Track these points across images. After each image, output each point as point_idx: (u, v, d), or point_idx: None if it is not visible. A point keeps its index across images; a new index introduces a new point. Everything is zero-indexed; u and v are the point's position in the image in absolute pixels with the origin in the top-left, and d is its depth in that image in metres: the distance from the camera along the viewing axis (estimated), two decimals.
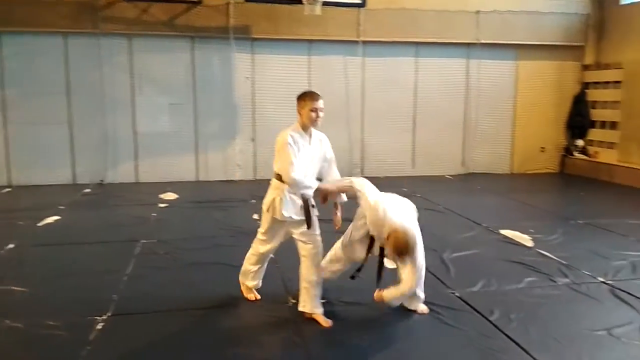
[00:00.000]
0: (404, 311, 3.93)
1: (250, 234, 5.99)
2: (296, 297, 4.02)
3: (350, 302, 4.08)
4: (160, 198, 8.06)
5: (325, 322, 3.70)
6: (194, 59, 9.50)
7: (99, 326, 3.65)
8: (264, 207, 3.86)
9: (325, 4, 8.45)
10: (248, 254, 4.15)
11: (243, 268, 4.18)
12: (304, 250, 3.79)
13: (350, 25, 9.75)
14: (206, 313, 3.90)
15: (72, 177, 9.26)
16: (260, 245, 4.06)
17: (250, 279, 4.15)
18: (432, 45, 10.14)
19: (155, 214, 7.04)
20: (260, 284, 4.19)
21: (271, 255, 4.17)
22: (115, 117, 9.30)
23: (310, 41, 9.76)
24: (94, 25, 8.92)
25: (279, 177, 3.72)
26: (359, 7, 9.29)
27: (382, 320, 3.81)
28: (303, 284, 3.79)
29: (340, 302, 4.06)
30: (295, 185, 3.63)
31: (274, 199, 3.76)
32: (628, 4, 10.00)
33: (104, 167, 9.31)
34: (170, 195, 8.26)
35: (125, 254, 5.21)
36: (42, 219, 6.60)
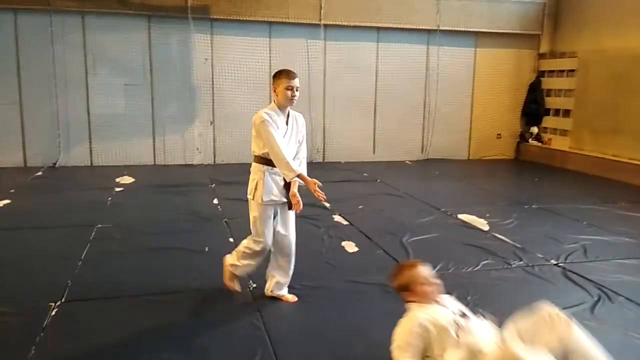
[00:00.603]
0: (363, 294, 3.96)
1: (210, 219, 5.97)
2: (256, 281, 4.01)
3: (311, 286, 4.08)
4: (117, 182, 7.86)
5: (292, 298, 3.78)
6: (150, 38, 9.24)
7: (53, 312, 3.54)
8: (248, 193, 3.71)
9: None
10: (243, 247, 3.78)
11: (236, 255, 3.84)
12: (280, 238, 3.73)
13: (312, 8, 9.66)
14: (165, 299, 3.83)
15: (23, 160, 8.92)
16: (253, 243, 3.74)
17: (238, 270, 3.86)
18: (394, 30, 10.17)
19: (111, 198, 6.86)
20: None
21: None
22: (68, 98, 8.98)
23: (271, 23, 9.63)
24: (45, 2, 8.55)
25: (259, 159, 3.63)
26: None
27: (342, 302, 3.83)
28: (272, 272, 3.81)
29: (300, 286, 4.05)
30: (283, 165, 3.44)
31: (256, 183, 3.64)
32: None
33: (57, 149, 9.00)
34: (127, 179, 8.06)
35: (80, 239, 5.06)
36: None
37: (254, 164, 3.69)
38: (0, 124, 8.72)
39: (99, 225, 5.55)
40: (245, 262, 3.79)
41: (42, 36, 8.69)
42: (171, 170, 9.07)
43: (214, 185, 7.85)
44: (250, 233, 3.76)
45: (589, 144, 9.79)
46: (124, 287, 4.00)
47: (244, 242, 3.79)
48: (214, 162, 9.72)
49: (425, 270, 2.88)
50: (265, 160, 3.60)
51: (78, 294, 3.85)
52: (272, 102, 3.68)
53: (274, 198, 3.62)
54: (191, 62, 9.40)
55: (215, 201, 6.84)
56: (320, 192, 3.42)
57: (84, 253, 4.71)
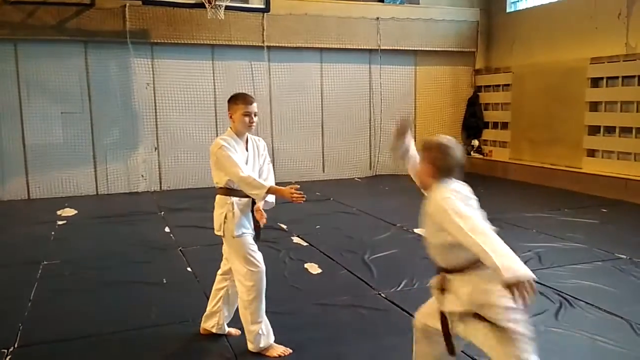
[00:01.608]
0: (332, 316, 3.91)
1: (164, 249, 5.76)
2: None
3: (278, 312, 3.99)
4: (58, 215, 7.47)
5: (285, 351, 3.36)
6: (87, 64, 8.93)
7: None
8: (216, 229, 3.39)
9: (228, 8, 8.30)
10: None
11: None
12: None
13: (255, 30, 9.65)
14: (125, 336, 3.63)
15: None
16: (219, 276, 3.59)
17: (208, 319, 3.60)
18: (336, 50, 10.31)
19: (54, 233, 6.50)
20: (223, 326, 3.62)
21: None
22: (2, 129, 8.52)
23: (214, 46, 9.54)
24: None
25: (224, 191, 3.32)
26: (263, 12, 9.22)
27: (312, 326, 3.76)
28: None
29: (267, 312, 3.94)
30: (249, 185, 3.16)
31: (225, 216, 3.30)
32: (513, 12, 10.80)
33: None
34: (69, 211, 7.68)
35: (26, 278, 4.75)
36: None
37: (218, 196, 3.37)
38: None
39: (45, 262, 5.23)
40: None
41: None
42: (116, 199, 8.73)
43: (162, 212, 7.61)
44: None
45: (527, 154, 10.22)
46: (81, 328, 3.76)
47: (242, 290, 3.32)
48: (160, 188, 9.44)
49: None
50: (231, 191, 3.31)
51: (31, 338, 3.59)
52: (229, 128, 3.43)
53: (245, 231, 3.35)
54: (132, 88, 9.14)
55: (167, 229, 6.62)
56: (298, 194, 3.17)
57: (32, 293, 4.42)
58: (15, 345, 3.47)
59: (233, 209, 3.32)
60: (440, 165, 2.45)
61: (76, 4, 8.53)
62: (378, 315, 3.93)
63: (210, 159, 3.34)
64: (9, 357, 3.32)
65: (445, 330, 2.47)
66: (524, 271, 2.06)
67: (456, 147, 2.49)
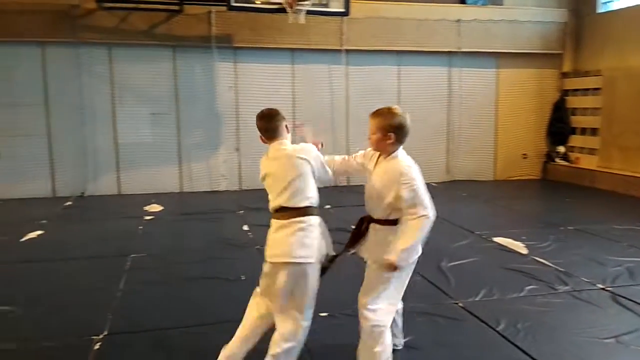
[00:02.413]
0: (406, 323, 3.85)
1: (242, 246, 5.93)
2: None
3: (352, 315, 3.99)
4: (145, 210, 7.87)
5: None
6: (175, 68, 9.35)
7: (97, 346, 3.50)
8: (310, 259, 2.87)
9: (308, 12, 8.41)
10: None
11: None
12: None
13: (334, 34, 9.73)
14: (204, 330, 3.76)
15: (52, 190, 8.99)
16: None
17: None
18: (414, 53, 10.19)
19: (142, 227, 6.86)
20: None
21: None
22: (96, 128, 9.08)
23: (293, 50, 9.70)
24: (72, 35, 8.71)
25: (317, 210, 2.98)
26: (343, 16, 9.26)
27: None
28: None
29: (341, 314, 3.96)
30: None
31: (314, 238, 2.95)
32: (604, 12, 10.23)
33: (85, 179, 9.07)
34: (155, 207, 8.08)
35: (116, 270, 5.05)
36: (24, 235, 6.36)
37: (308, 217, 2.91)
38: (30, 154, 8.82)
39: (133, 255, 5.53)
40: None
41: (69, 68, 8.83)
42: (198, 198, 9.08)
43: (242, 211, 7.83)
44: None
45: (618, 162, 9.63)
46: (165, 319, 3.95)
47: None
48: (240, 188, 9.72)
49: None
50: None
51: (119, 327, 3.80)
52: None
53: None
54: (216, 90, 9.48)
55: (245, 227, 6.81)
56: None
57: (121, 284, 4.68)
58: (105, 333, 3.69)
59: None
60: (402, 133, 2.96)
61: (166, 10, 8.96)
62: (455, 324, 3.85)
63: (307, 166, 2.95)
64: (98, 343, 3.54)
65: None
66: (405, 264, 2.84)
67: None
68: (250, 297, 4.36)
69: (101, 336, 3.64)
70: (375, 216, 3.01)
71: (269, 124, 3.02)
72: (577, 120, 10.63)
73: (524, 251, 5.65)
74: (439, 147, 10.63)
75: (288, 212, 2.88)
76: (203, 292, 4.52)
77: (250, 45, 9.46)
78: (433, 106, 10.45)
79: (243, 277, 4.87)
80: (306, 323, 2.94)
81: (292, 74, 9.81)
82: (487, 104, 10.76)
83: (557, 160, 10.80)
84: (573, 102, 10.71)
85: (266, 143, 3.05)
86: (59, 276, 4.98)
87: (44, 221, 7.10)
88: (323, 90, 9.92)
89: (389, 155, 3.00)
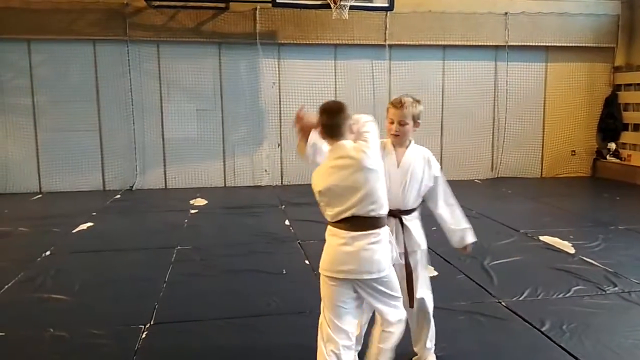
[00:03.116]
0: (445, 324, 3.82)
1: (284, 241, 6.00)
2: None
3: None
4: (191, 204, 8.06)
5: None
6: (221, 65, 9.51)
7: (144, 335, 3.62)
8: (391, 262, 2.74)
9: (352, 8, 8.40)
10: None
11: None
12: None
13: (377, 29, 9.68)
14: (247, 322, 3.84)
15: (101, 184, 9.33)
16: None
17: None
18: (460, 47, 10.02)
19: (187, 220, 7.03)
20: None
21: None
22: (144, 124, 9.35)
23: (336, 45, 9.71)
24: (122, 32, 8.98)
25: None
26: (387, 10, 9.21)
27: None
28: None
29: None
30: None
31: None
32: None
33: (133, 173, 9.35)
34: (200, 201, 8.26)
35: (162, 261, 5.20)
36: (76, 226, 6.63)
37: (379, 229, 2.66)
38: (81, 149, 9.16)
39: (179, 247, 5.68)
40: None
41: (119, 65, 9.12)
42: (241, 192, 9.22)
43: (283, 206, 7.91)
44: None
45: None
46: (208, 310, 4.05)
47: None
48: (282, 183, 9.82)
49: None
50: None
51: (165, 317, 3.92)
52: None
53: None
54: (259, 86, 9.59)
55: (287, 222, 6.88)
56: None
57: (167, 275, 4.82)
58: (152, 322, 3.82)
59: None
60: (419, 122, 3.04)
61: (212, 8, 9.12)
62: (497, 323, 3.79)
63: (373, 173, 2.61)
64: (145, 332, 3.66)
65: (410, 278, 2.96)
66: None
67: None
68: (291, 291, 4.44)
69: (148, 325, 3.77)
70: (408, 207, 3.02)
71: (331, 120, 2.65)
72: (629, 116, 10.24)
73: (571, 250, 5.50)
74: (484, 143, 10.44)
75: (359, 223, 2.59)
76: (245, 285, 4.61)
77: (294, 42, 9.52)
78: (478, 101, 10.25)
79: (284, 271, 4.94)
80: None
81: (334, 69, 9.81)
82: (534, 98, 10.48)
83: (608, 157, 10.43)
84: (625, 97, 10.32)
85: (325, 140, 2.71)
86: (107, 267, 5.17)
87: (94, 213, 7.37)
88: (365, 85, 9.88)
89: (407, 143, 3.06)
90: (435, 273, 4.89)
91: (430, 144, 10.09)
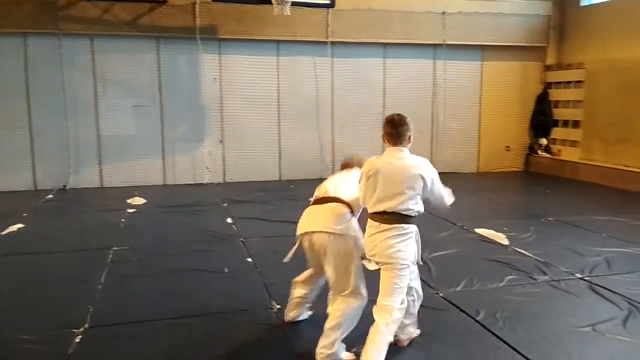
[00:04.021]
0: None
1: (226, 239, 5.92)
2: (279, 301, 3.96)
3: None
4: (128, 203, 7.82)
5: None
6: (159, 59, 9.27)
7: (77, 339, 3.48)
8: (408, 260, 3.11)
9: (294, 4, 8.38)
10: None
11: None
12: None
13: (319, 26, 9.70)
14: (188, 322, 3.76)
15: (33, 183, 8.90)
16: None
17: None
18: (400, 46, 10.20)
19: (124, 220, 6.82)
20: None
21: None
22: (78, 120, 8.99)
23: (279, 42, 9.66)
24: (54, 26, 8.59)
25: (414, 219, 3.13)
26: (328, 7, 9.25)
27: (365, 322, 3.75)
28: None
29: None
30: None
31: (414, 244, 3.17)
32: (588, 6, 10.31)
33: (67, 172, 8.98)
34: (138, 200, 8.03)
35: (97, 263, 5.01)
36: (5, 228, 6.29)
37: (407, 225, 3.08)
38: (10, 147, 8.70)
39: (115, 248, 5.50)
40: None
41: (51, 60, 8.72)
42: (181, 190, 9.04)
43: (226, 204, 7.82)
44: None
45: (599, 154, 9.75)
46: (147, 311, 3.95)
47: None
48: (224, 180, 9.69)
49: None
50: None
51: (101, 320, 3.79)
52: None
53: None
54: (200, 82, 9.42)
55: (229, 220, 6.80)
56: None
57: (103, 277, 4.66)
58: (86, 326, 3.67)
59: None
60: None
61: (150, 1, 8.86)
62: (435, 314, 3.88)
63: (420, 182, 3.07)
64: (79, 336, 3.52)
65: None
66: None
67: None
68: (233, 290, 4.40)
69: (82, 329, 3.63)
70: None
71: (395, 130, 3.16)
72: (559, 113, 10.74)
73: (505, 242, 5.71)
74: (423, 139, 10.65)
75: (393, 217, 3.04)
76: (186, 285, 4.52)
77: (235, 37, 9.40)
78: (418, 99, 10.46)
79: (226, 270, 4.87)
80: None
81: (277, 65, 9.77)
82: (471, 96, 10.82)
83: (540, 152, 10.91)
84: (556, 94, 10.81)
85: (386, 144, 3.19)
86: (39, 269, 4.95)
87: (25, 214, 7.02)
88: (308, 82, 9.90)
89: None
90: (376, 267, 4.95)
91: (372, 141, 10.24)
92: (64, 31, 8.65)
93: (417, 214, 3.10)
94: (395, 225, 3.04)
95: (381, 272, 3.11)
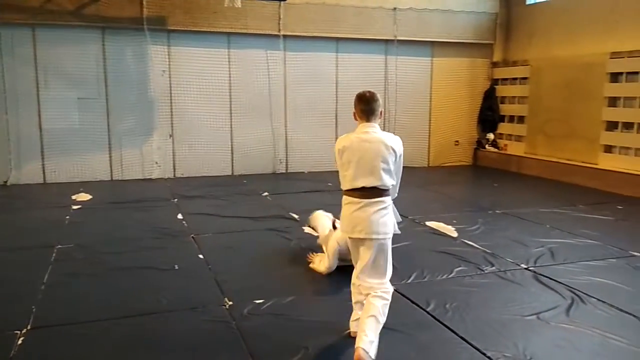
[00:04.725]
0: (341, 309, 3.90)
1: (177, 235, 5.80)
2: (231, 298, 3.91)
3: (283, 303, 4.00)
4: (73, 199, 7.55)
5: None
6: (105, 50, 8.97)
7: (20, 341, 3.33)
8: (391, 231, 3.34)
9: None
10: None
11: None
12: None
13: (271, 19, 9.62)
14: (137, 322, 3.66)
15: None
16: None
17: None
18: (352, 41, 10.24)
19: (69, 217, 6.57)
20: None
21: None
22: (19, 113, 8.60)
23: (230, 34, 9.53)
24: None
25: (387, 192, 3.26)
26: (280, 0, 9.19)
27: (320, 318, 3.76)
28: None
29: (274, 302, 3.96)
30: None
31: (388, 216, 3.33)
32: (533, 4, 10.64)
33: (7, 167, 8.58)
34: (84, 196, 7.76)
35: (41, 261, 4.81)
36: None
37: (385, 198, 3.23)
38: None
39: (59, 246, 5.30)
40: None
41: None
42: (130, 186, 8.80)
43: (176, 199, 7.66)
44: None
45: (543, 148, 10.11)
46: (93, 311, 3.81)
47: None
48: (174, 175, 9.49)
49: None
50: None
51: (44, 321, 3.64)
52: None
53: None
54: (148, 74, 9.17)
55: (180, 216, 6.66)
56: None
57: (46, 276, 4.48)
58: (28, 327, 3.52)
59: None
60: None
61: None
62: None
63: (392, 156, 3.17)
64: (21, 338, 3.37)
65: None
66: None
67: None
68: (183, 287, 4.31)
69: (24, 331, 3.47)
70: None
71: (369, 106, 3.18)
72: (506, 109, 11.06)
73: (454, 234, 5.84)
74: None
75: (373, 192, 3.14)
76: (134, 283, 4.40)
77: (185, 28, 9.21)
78: None
79: (176, 267, 4.77)
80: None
81: (228, 58, 9.63)
82: (421, 92, 10.99)
83: (487, 146, 11.21)
84: (502, 90, 11.13)
85: (357, 121, 3.24)
86: None
87: None
88: (261, 76, 9.81)
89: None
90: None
91: (326, 135, 10.27)
92: (3, 20, 8.25)
93: (391, 187, 3.23)
94: (377, 199, 3.16)
95: (363, 249, 3.23)
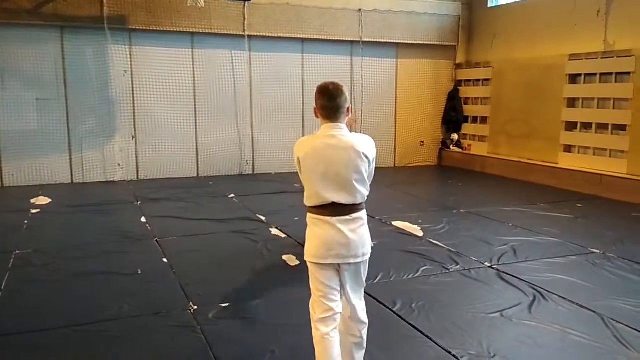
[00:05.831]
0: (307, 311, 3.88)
1: (140, 239, 5.69)
2: (196, 302, 3.85)
3: (254, 305, 3.96)
4: (32, 203, 7.33)
5: None
6: (64, 50, 8.74)
7: None
8: (366, 252, 2.72)
9: None
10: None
11: None
12: None
13: (236, 19, 9.54)
14: (98, 329, 3.56)
15: None
16: None
17: None
18: (318, 41, 10.24)
19: (27, 222, 6.37)
20: None
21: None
22: None
23: (193, 34, 9.41)
24: None
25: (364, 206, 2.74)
26: (245, 1, 9.11)
27: (287, 321, 3.73)
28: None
29: (244, 304, 3.92)
30: None
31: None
32: (495, 7, 10.84)
33: None
34: (43, 200, 7.54)
35: None
36: None
37: (361, 213, 2.70)
38: None
39: (17, 252, 5.13)
40: None
41: None
42: (91, 188, 8.59)
43: (139, 202, 7.51)
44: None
45: (505, 148, 10.31)
46: (52, 319, 3.70)
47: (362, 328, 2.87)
48: (138, 177, 9.31)
49: None
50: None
51: (1, 329, 3.51)
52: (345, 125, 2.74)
53: None
54: (109, 75, 8.97)
55: (143, 219, 6.53)
56: None
57: (4, 283, 4.32)
58: None
59: None
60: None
61: None
62: None
63: (365, 163, 2.63)
64: None
65: None
66: None
67: None
68: (147, 292, 4.22)
69: None
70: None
71: (333, 102, 2.58)
72: (469, 109, 11.25)
73: (420, 234, 5.90)
74: None
75: (347, 207, 2.61)
76: (95, 289, 4.28)
77: (147, 28, 9.04)
78: None
79: (140, 271, 4.67)
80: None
81: (192, 58, 9.51)
82: (387, 93, 11.08)
83: (452, 147, 11.37)
84: (465, 92, 11.31)
85: (319, 119, 2.66)
86: None
87: None
88: (226, 76, 9.72)
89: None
90: (297, 262, 4.95)
91: (292, 135, 10.23)
92: None
93: (366, 197, 2.70)
94: (353, 215, 2.64)
95: (341, 275, 2.70)
